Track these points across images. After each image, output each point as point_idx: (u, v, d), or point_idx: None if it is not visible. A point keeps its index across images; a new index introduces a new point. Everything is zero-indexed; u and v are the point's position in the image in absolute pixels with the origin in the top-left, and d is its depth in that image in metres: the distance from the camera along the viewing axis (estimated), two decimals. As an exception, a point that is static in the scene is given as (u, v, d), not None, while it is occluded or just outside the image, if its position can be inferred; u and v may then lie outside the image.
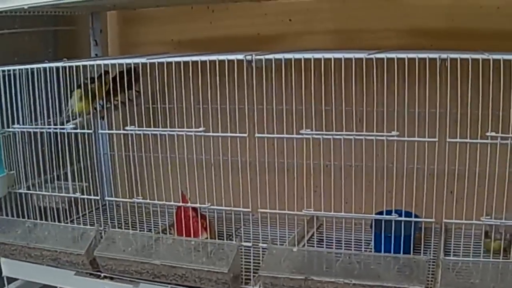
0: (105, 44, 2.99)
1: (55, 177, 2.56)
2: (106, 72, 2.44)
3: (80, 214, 2.56)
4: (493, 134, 1.90)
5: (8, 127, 2.46)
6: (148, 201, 2.29)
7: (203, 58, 2.09)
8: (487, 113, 1.91)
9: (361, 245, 2.17)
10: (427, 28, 2.51)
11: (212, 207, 2.21)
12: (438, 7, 2.48)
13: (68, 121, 2.43)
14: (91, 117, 2.49)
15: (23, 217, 2.57)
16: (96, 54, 2.93)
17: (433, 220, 2.13)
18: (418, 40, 2.51)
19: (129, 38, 3.05)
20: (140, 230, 2.40)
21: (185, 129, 2.15)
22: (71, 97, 2.45)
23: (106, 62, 2.31)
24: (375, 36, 2.58)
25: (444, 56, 1.88)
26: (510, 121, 1.91)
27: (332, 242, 2.19)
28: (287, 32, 2.73)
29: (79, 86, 2.41)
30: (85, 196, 2.46)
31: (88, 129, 2.41)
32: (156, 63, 2.16)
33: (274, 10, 2.74)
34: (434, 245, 2.31)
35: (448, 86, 1.90)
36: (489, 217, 1.99)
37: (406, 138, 1.98)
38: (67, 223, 2.56)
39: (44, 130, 2.42)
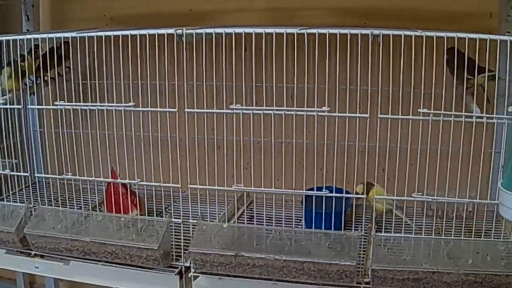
0: (37, 20, 2.92)
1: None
2: (37, 47, 2.40)
3: (10, 192, 2.50)
4: (425, 110, 1.92)
5: None
6: (77, 177, 2.26)
7: (134, 32, 2.05)
8: (420, 90, 1.92)
9: (292, 221, 2.17)
10: (360, 7, 2.51)
11: (141, 183, 2.19)
12: (371, -15, 2.49)
13: (-2, 97, 2.38)
14: (21, 93, 2.43)
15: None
16: (28, 29, 2.86)
17: (364, 196, 2.15)
18: (351, 19, 2.52)
19: (61, 14, 2.99)
20: (70, 207, 2.36)
21: (115, 104, 2.12)
22: (0, 74, 2.40)
23: (36, 36, 2.26)
24: (308, 14, 2.58)
25: (376, 32, 1.88)
26: (442, 99, 1.93)
27: (263, 219, 2.18)
28: (220, 9, 2.70)
29: (9, 64, 2.36)
30: (14, 173, 2.42)
31: (17, 104, 2.36)
32: (86, 37, 2.12)
33: (207, -13, 2.72)
34: (365, 222, 2.32)
35: (381, 63, 1.91)
36: (420, 193, 2.01)
37: (336, 114, 1.98)
38: (-3, 201, 2.52)
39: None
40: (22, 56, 2.35)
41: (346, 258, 1.93)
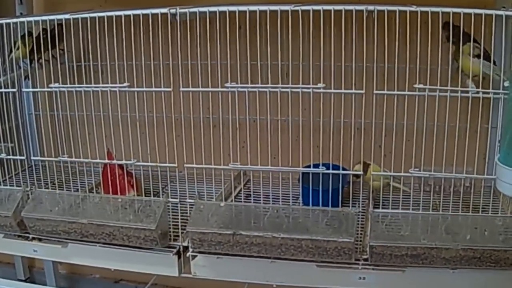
0: (30, 3, 2.90)
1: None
2: (30, 34, 2.39)
3: (7, 176, 2.50)
4: (421, 86, 1.92)
5: None
6: (74, 159, 2.25)
7: (127, 12, 2.04)
8: (415, 66, 1.91)
9: (289, 199, 2.17)
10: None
11: (138, 163, 2.19)
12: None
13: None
14: (15, 76, 2.43)
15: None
16: (21, 13, 2.85)
17: (361, 173, 2.15)
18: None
19: (54, -4, 2.98)
20: (67, 190, 2.36)
21: (110, 85, 2.11)
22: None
23: (29, 19, 2.24)
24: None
25: (371, 8, 1.87)
26: (438, 74, 1.93)
27: (260, 197, 2.18)
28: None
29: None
30: (10, 157, 2.41)
31: (12, 88, 2.36)
32: (80, 19, 2.11)
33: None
34: (363, 199, 2.32)
35: (376, 39, 1.90)
36: (417, 169, 2.00)
37: (332, 90, 1.98)
38: (-6, 185, 2.51)
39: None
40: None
41: (344, 235, 1.94)
